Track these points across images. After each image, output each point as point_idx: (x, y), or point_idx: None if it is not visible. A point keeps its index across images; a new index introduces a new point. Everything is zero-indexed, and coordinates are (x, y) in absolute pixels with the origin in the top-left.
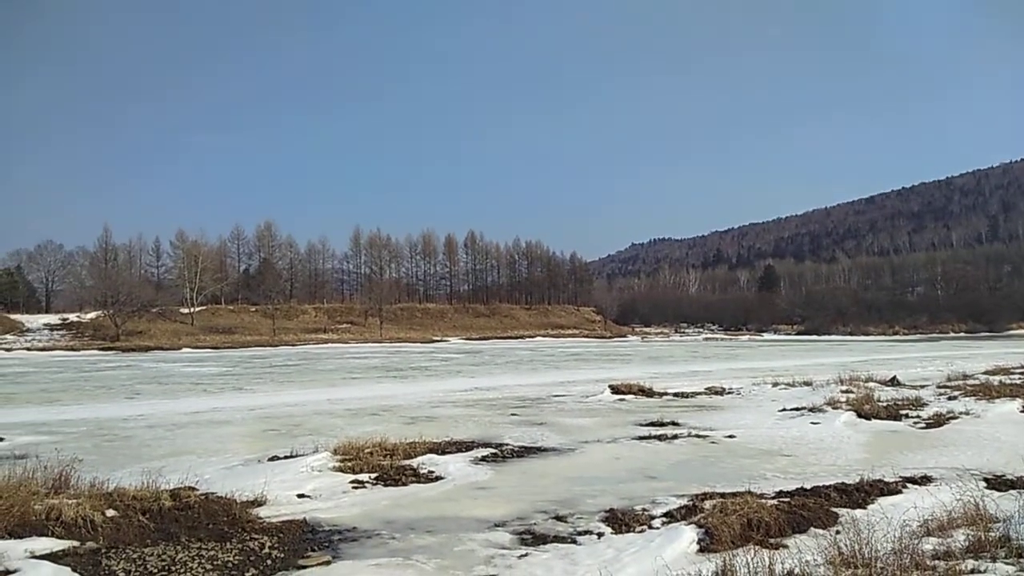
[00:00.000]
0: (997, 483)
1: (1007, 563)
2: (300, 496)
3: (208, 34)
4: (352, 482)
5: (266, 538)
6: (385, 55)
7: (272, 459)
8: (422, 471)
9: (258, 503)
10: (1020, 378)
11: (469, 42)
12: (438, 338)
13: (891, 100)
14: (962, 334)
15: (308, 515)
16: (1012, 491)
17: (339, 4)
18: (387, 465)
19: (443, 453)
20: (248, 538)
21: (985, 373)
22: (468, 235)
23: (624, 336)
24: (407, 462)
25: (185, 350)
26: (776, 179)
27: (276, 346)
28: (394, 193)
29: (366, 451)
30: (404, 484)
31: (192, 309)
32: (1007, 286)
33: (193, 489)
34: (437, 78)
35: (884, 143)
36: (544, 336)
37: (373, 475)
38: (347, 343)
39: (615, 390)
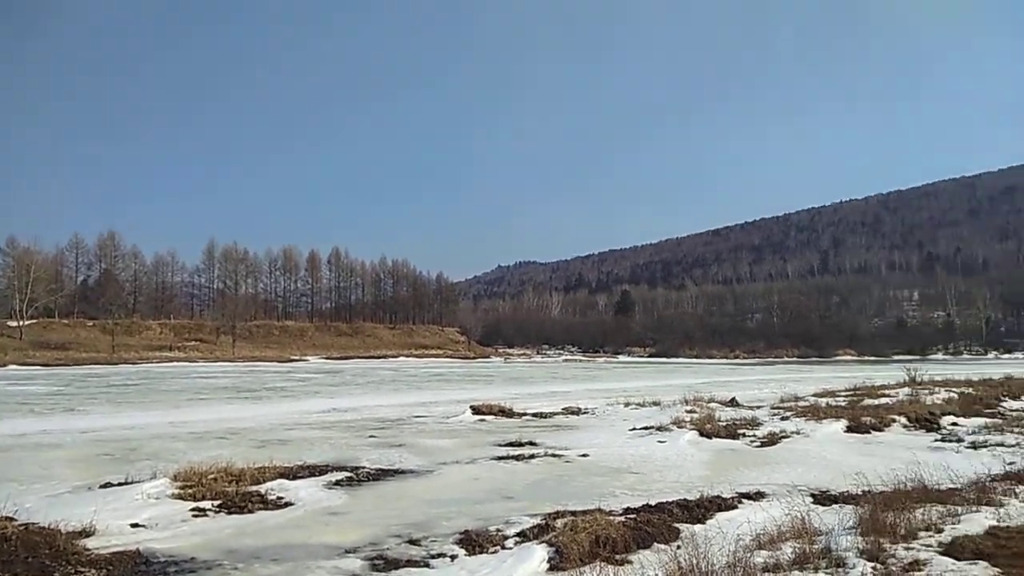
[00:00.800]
0: (822, 498)
1: (827, 573)
2: (134, 526)
3: None
4: (193, 510)
5: (93, 571)
6: (246, 55)
7: (104, 486)
8: (271, 497)
9: (86, 534)
10: (845, 400)
11: (338, 41)
12: (296, 357)
13: (735, 139)
14: (795, 359)
15: (142, 546)
16: (835, 505)
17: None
18: (232, 492)
19: (294, 478)
20: (73, 572)
21: (814, 395)
22: (332, 251)
23: (488, 357)
24: (255, 488)
25: (11, 367)
26: (633, 208)
27: (115, 364)
28: (252, 206)
29: (209, 477)
30: (250, 511)
31: (21, 322)
32: (835, 315)
33: (11, 520)
34: (306, 77)
35: (730, 180)
36: (408, 356)
37: (216, 502)
38: (195, 362)
39: (476, 411)
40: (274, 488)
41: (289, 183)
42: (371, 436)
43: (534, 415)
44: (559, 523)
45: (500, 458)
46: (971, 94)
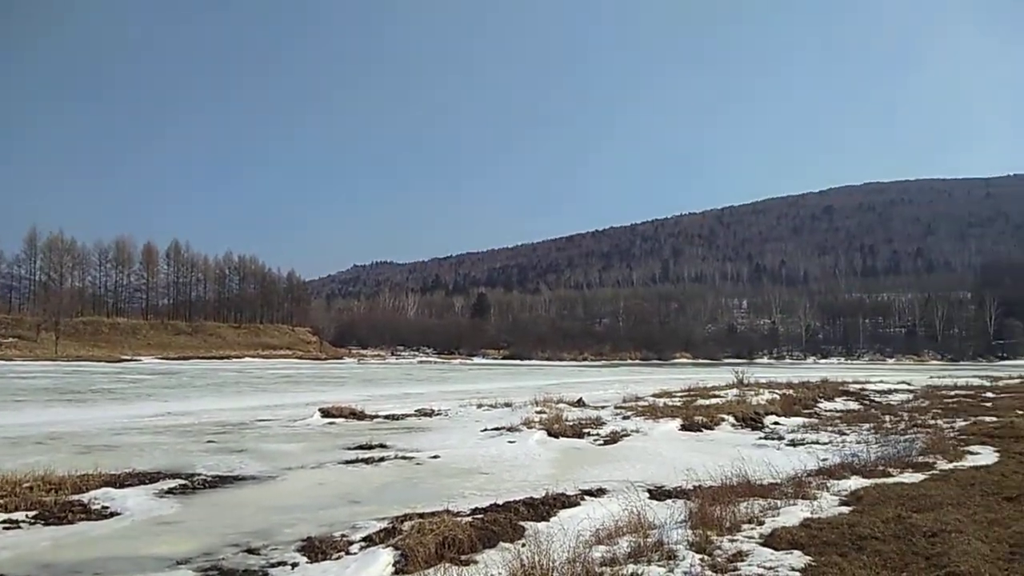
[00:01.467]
0: (658, 493)
1: (660, 565)
2: None
3: None
4: (4, 522)
5: None
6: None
7: None
8: (95, 507)
9: None
10: (680, 400)
11: (186, 30)
12: (128, 357)
13: (592, 151)
14: (638, 361)
15: None
16: (669, 500)
17: None
18: (50, 502)
19: (122, 486)
20: None
21: (653, 396)
22: (172, 244)
23: (340, 358)
24: (77, 497)
25: None
26: (492, 213)
27: None
28: (83, 192)
29: (24, 486)
30: (71, 522)
31: None
32: (674, 320)
33: None
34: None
35: (582, 190)
36: (254, 357)
37: (32, 513)
38: (11, 360)
39: (325, 413)
40: (98, 497)
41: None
42: (209, 441)
43: (386, 417)
44: (406, 526)
45: (349, 462)
46: (794, 125)
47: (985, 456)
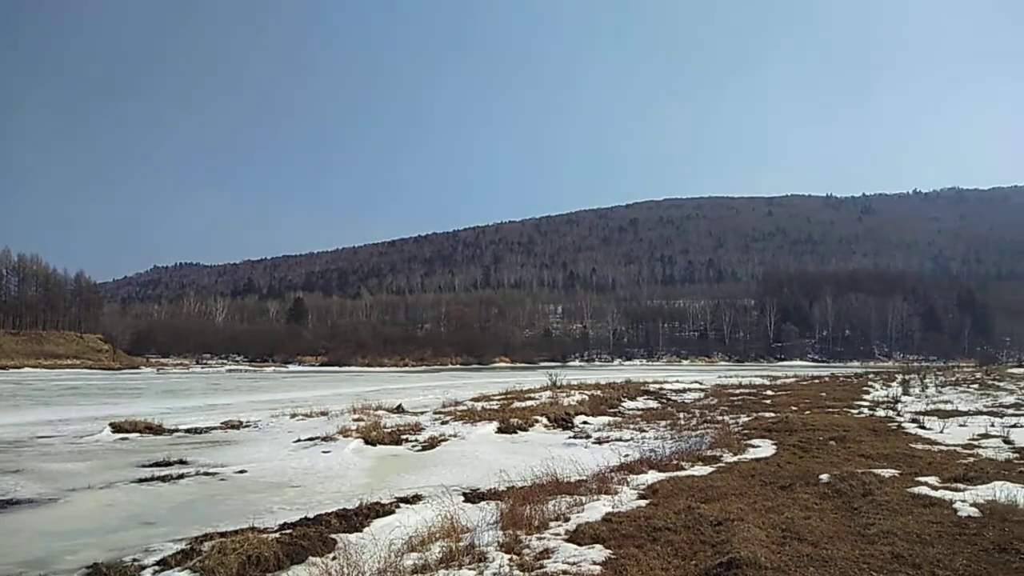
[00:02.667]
0: (473, 496)
1: (471, 569)
2: None
3: None
4: None
5: None
6: None
7: None
8: None
9: None
10: (497, 404)
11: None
12: None
13: (404, 160)
14: (459, 366)
15: None
16: (483, 502)
17: None
18: None
19: None
20: None
21: (472, 400)
22: None
23: (137, 367)
24: None
25: None
26: (313, 214)
27: None
28: None
29: None
30: None
31: None
32: (494, 325)
33: None
34: None
35: (408, 195)
36: (35, 367)
37: None
38: None
39: (117, 428)
40: None
41: None
42: None
43: (188, 431)
44: (206, 546)
45: (143, 480)
46: (604, 142)
47: (764, 449)
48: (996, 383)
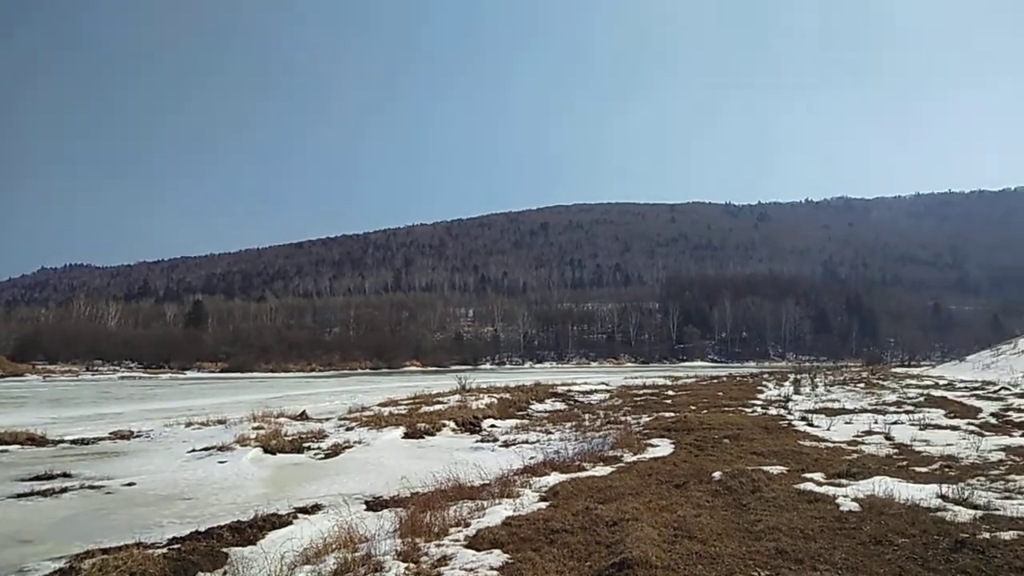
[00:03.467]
0: (375, 504)
1: None
2: None
3: None
4: None
5: None
6: None
7: None
8: None
9: None
10: (406, 408)
11: None
12: None
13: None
14: (368, 370)
15: None
16: (385, 510)
17: None
18: None
19: None
20: None
21: (380, 405)
22: None
23: (22, 375)
24: None
25: None
26: (214, 214)
27: None
28: None
29: None
30: None
31: None
32: (405, 329)
33: None
34: None
35: (317, 196)
36: None
37: None
38: None
39: None
40: None
41: None
42: None
43: (74, 442)
44: (87, 564)
45: (21, 495)
46: (517, 146)
47: (663, 448)
48: (880, 382)
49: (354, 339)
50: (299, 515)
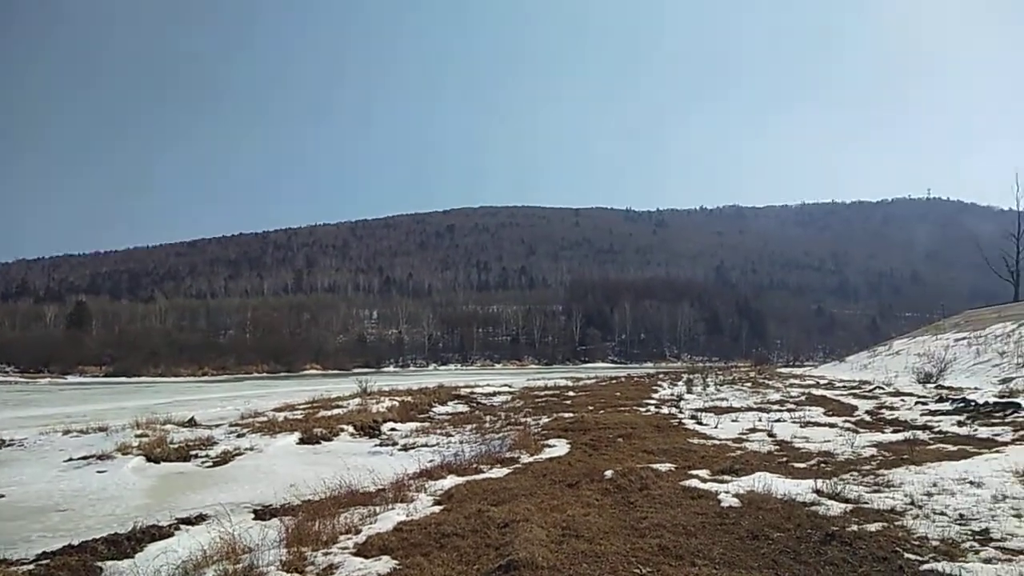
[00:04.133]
0: (264, 513)
1: None
2: None
3: None
4: None
5: None
6: None
7: None
8: None
9: None
10: (302, 413)
11: None
12: None
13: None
14: (265, 374)
15: None
16: (274, 519)
17: None
18: None
19: None
20: None
21: (275, 410)
22: None
23: None
24: None
25: None
26: (99, 211)
27: None
28: None
29: None
30: None
31: None
32: (305, 331)
33: None
34: None
35: (210, 194)
36: None
37: None
38: None
39: None
40: None
41: None
42: None
43: None
44: None
45: None
46: (422, 148)
47: (559, 448)
48: (766, 382)
49: (251, 342)
50: (181, 526)
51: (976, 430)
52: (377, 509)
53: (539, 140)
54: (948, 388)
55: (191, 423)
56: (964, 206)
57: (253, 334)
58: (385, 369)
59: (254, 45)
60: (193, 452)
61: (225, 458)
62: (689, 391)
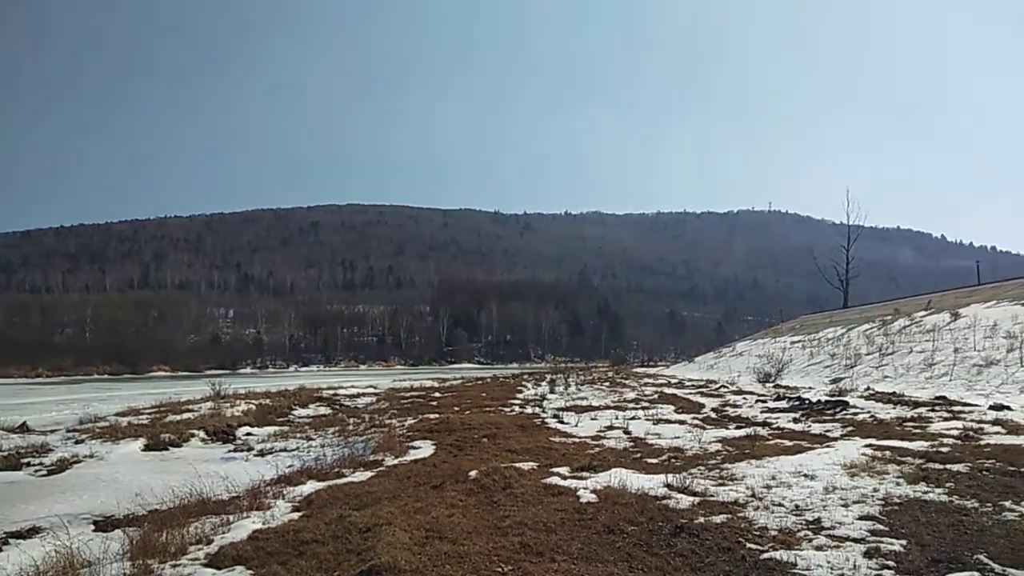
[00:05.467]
0: (105, 524)
1: None
2: None
3: None
4: None
5: None
6: None
7: None
8: None
9: None
10: (148, 418)
11: None
12: None
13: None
14: (107, 376)
15: None
16: (118, 530)
17: None
18: None
19: None
20: None
21: (117, 415)
22: None
23: None
24: None
25: None
26: None
27: None
28: None
29: None
30: None
31: None
32: (153, 330)
33: None
34: None
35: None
36: None
37: None
38: None
39: None
40: None
41: None
42: None
43: None
44: None
45: None
46: (297, 146)
47: (424, 450)
48: (623, 381)
49: (91, 341)
50: (10, 541)
51: (810, 426)
52: (231, 518)
53: (409, 140)
54: (785, 387)
55: (23, 428)
56: (801, 219)
57: (94, 333)
58: (242, 371)
59: (114, 24)
60: (25, 460)
61: (62, 466)
62: (552, 391)
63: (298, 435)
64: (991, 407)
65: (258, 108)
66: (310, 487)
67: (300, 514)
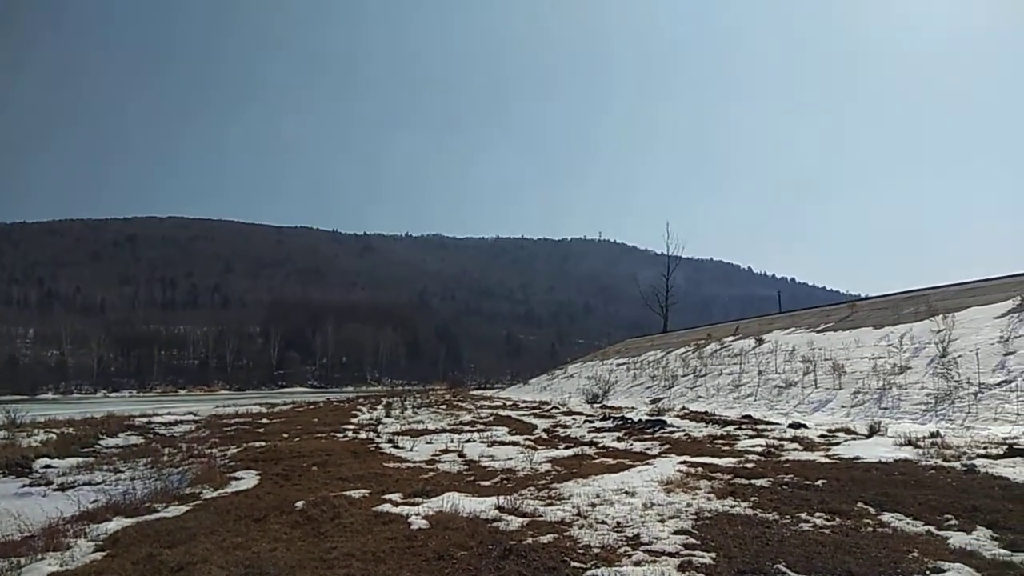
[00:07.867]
0: None
1: None
2: None
3: None
4: None
5: None
6: None
7: None
8: None
9: None
10: None
11: None
12: None
13: None
14: None
15: None
16: None
17: None
18: None
19: None
20: None
21: None
22: None
23: None
24: None
25: None
26: None
27: None
28: None
29: None
30: None
31: None
32: None
33: None
34: None
35: None
36: None
37: None
38: None
39: None
40: None
41: None
42: None
43: None
44: None
45: None
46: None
47: (248, 480)
48: (460, 404)
49: None
50: None
51: (632, 445)
52: (22, 560)
53: (241, 151)
54: (611, 407)
55: None
56: (627, 248)
57: None
58: (42, 397)
59: None
60: None
61: None
62: (388, 415)
63: (105, 467)
64: (790, 425)
65: (66, 106)
66: (116, 524)
67: (104, 554)
